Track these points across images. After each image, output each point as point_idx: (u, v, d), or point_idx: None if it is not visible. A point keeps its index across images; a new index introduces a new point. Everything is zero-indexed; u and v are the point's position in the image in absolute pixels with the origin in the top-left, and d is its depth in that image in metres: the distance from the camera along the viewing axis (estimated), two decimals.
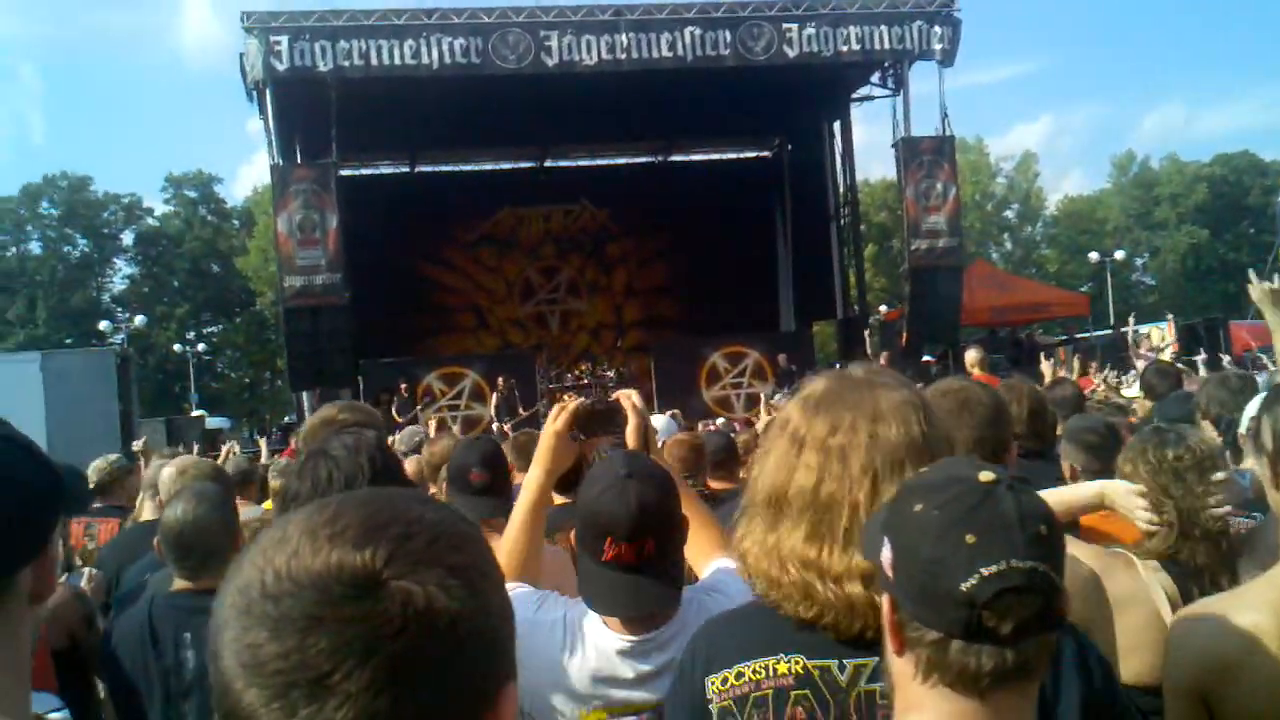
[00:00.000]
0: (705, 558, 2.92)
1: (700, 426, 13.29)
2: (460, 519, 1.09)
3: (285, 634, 0.95)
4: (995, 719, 1.48)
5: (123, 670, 3.17)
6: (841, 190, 29.27)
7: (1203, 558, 3.18)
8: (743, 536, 2.08)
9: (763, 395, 15.97)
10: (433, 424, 12.24)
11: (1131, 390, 10.39)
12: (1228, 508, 3.25)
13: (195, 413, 37.93)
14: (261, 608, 0.97)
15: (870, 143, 71.04)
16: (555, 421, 3.06)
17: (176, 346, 56.62)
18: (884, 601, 1.56)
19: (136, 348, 43.99)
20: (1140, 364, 11.75)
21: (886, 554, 1.53)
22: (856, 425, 1.95)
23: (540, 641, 2.57)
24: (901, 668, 1.55)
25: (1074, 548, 2.83)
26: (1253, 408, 4.34)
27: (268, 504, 6.75)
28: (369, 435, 2.74)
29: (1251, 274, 4.58)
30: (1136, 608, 3.08)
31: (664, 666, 2.58)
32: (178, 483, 4.36)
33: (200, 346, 59.24)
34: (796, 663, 1.95)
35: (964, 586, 1.42)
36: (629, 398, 3.15)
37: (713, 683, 2.02)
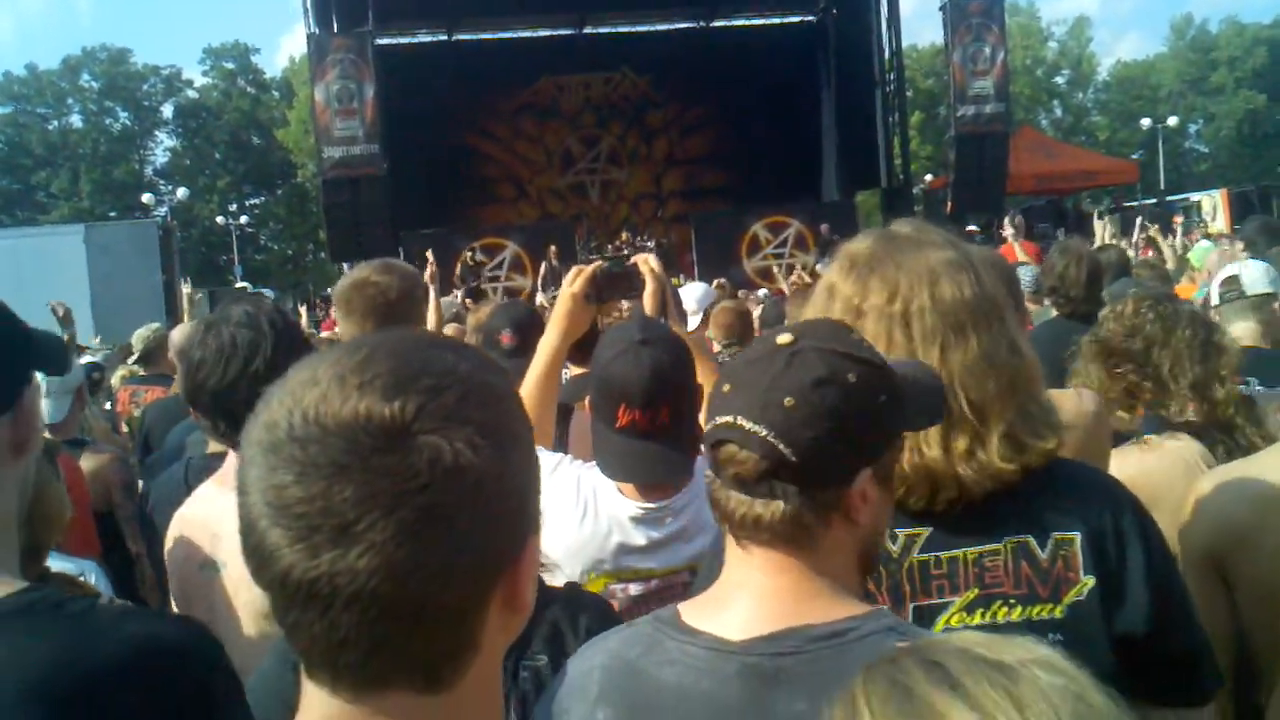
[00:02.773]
0: None
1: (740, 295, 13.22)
2: (493, 372, 1.07)
3: (311, 479, 0.95)
4: (769, 575, 1.54)
5: (159, 531, 3.20)
6: (887, 56, 28.61)
7: (1201, 415, 3.20)
8: None
9: (798, 265, 15.86)
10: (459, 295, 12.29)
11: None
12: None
13: (239, 284, 38.21)
14: (288, 450, 0.96)
15: (917, 6, 69.33)
16: (572, 284, 3.03)
17: (219, 219, 56.79)
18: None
19: (180, 220, 44.30)
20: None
21: None
22: (915, 289, 1.87)
23: (553, 505, 2.56)
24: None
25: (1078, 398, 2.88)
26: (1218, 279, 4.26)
27: None
28: (267, 302, 2.71)
29: None
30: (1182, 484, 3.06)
31: (675, 534, 2.58)
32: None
33: (243, 219, 59.47)
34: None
35: (708, 427, 1.55)
36: (646, 261, 3.10)
37: None
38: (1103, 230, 10.10)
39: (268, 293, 42.26)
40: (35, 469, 1.80)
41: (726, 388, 1.52)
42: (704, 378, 2.69)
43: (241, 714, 1.71)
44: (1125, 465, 3.00)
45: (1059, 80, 70.03)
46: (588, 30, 30.89)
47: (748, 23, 32.19)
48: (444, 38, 30.41)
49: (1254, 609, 2.25)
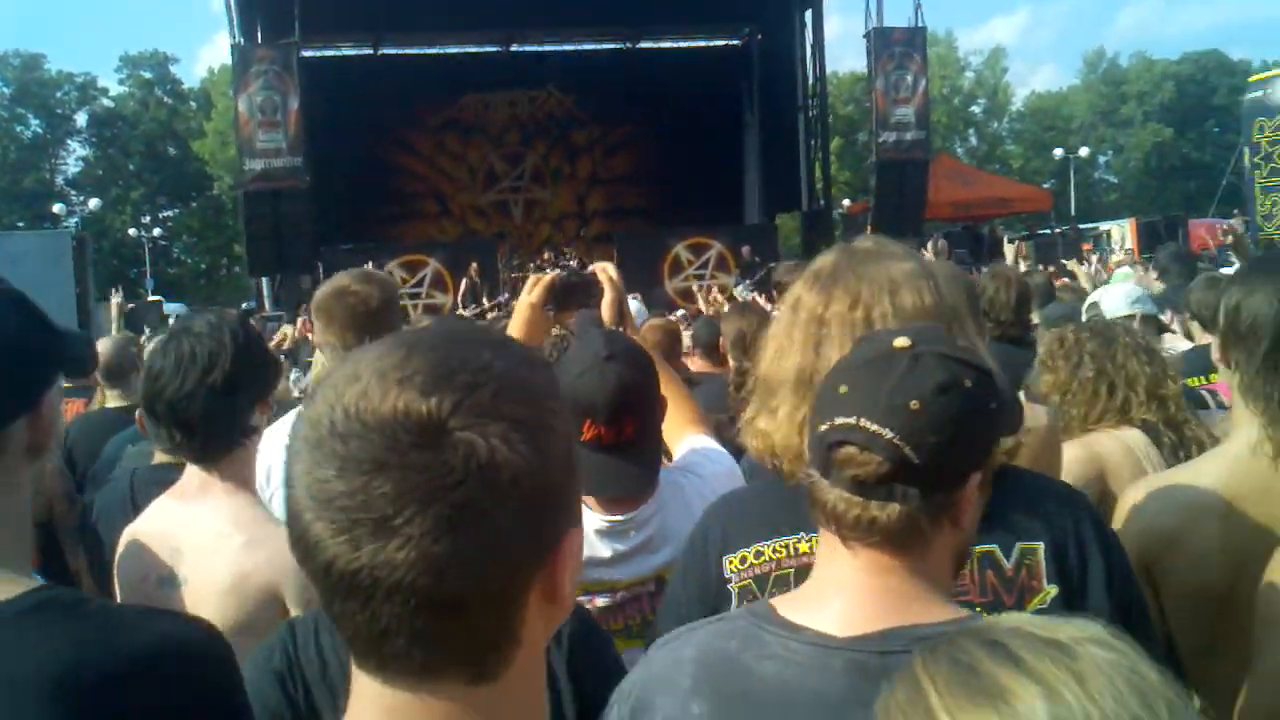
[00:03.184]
0: (680, 432, 2.92)
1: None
2: (531, 367, 1.09)
3: (352, 474, 0.97)
4: (875, 575, 1.55)
5: (104, 543, 3.15)
6: (810, 82, 28.96)
7: (1154, 415, 3.41)
8: (755, 418, 2.06)
9: (716, 288, 15.97)
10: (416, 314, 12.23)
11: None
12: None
13: (151, 298, 37.53)
14: (330, 445, 0.99)
15: (839, 33, 70.70)
16: (530, 294, 3.03)
17: (132, 231, 55.69)
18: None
19: (91, 231, 43.32)
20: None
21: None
22: (876, 297, 1.94)
23: None
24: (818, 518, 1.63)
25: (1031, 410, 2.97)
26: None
27: None
28: (231, 313, 2.72)
29: (1235, 222, 4.89)
30: (1127, 469, 3.26)
31: (639, 546, 2.59)
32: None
33: (156, 231, 58.37)
34: (818, 541, 1.95)
35: (821, 428, 1.54)
36: (605, 270, 3.11)
37: (730, 562, 2.02)
38: (1014, 255, 10.34)
39: (179, 307, 41.65)
40: None
41: (844, 389, 1.53)
42: (665, 389, 2.71)
43: (249, 716, 1.72)
44: (1085, 446, 3.33)
45: (975, 109, 71.34)
46: (514, 47, 30.89)
47: (674, 45, 32.37)
48: (369, 51, 30.22)
49: (1179, 613, 2.33)
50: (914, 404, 1.49)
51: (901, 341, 1.54)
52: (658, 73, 30.05)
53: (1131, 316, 4.63)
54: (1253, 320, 2.31)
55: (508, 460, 0.99)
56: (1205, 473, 2.43)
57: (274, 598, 2.46)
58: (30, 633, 1.50)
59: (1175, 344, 4.92)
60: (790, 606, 1.61)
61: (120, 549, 2.75)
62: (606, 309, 3.05)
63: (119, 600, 2.67)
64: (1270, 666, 2.00)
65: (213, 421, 2.51)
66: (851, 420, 1.49)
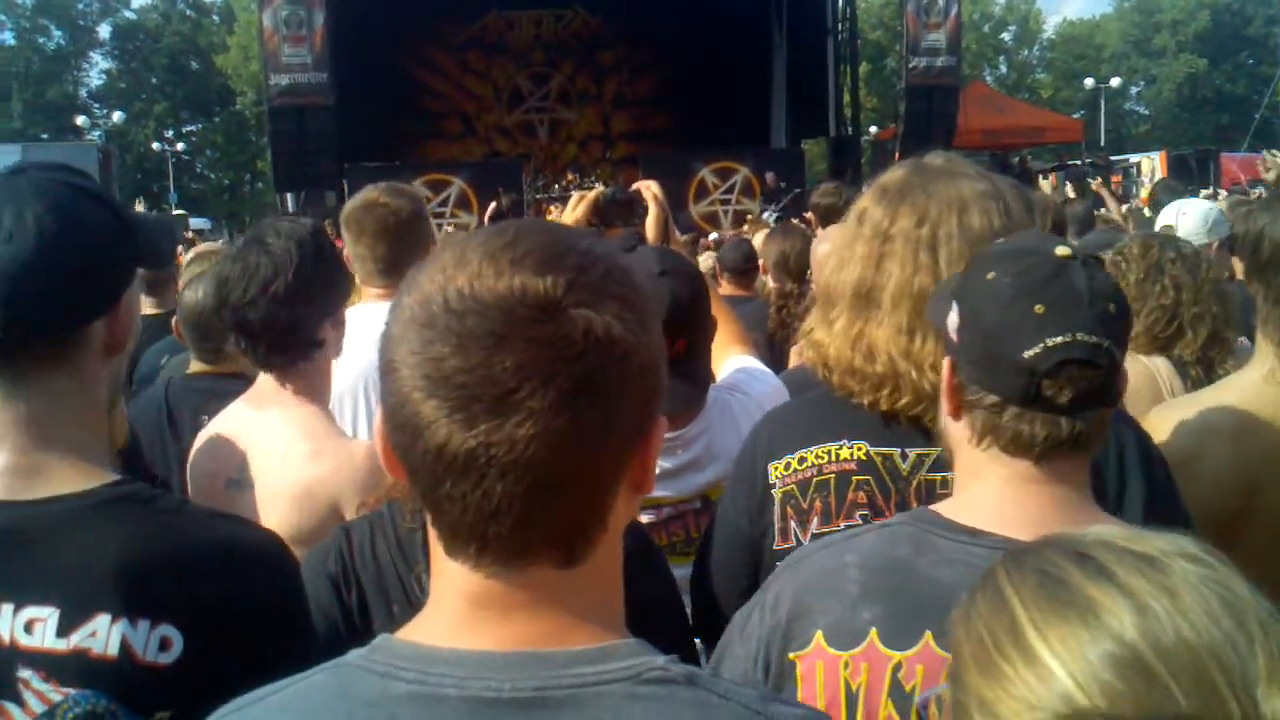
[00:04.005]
0: (724, 352, 2.92)
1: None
2: (624, 256, 1.12)
3: (470, 349, 0.98)
4: (1048, 484, 1.54)
5: (139, 451, 3.20)
6: (840, 4, 28.53)
7: (1195, 350, 3.33)
8: (814, 329, 2.07)
9: (752, 213, 15.86)
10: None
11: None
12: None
13: (175, 212, 37.50)
14: (445, 322, 1.00)
15: None
16: (575, 210, 3.03)
17: (155, 144, 55.56)
18: (945, 364, 1.61)
19: (115, 145, 43.28)
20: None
21: (953, 318, 1.58)
22: (943, 216, 1.92)
23: None
24: (958, 432, 1.61)
25: None
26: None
27: None
28: (305, 222, 2.71)
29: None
30: (1145, 396, 3.21)
31: (687, 464, 2.61)
32: (199, 266, 4.31)
33: (179, 146, 58.26)
34: (859, 449, 1.96)
35: (1027, 354, 1.47)
36: (649, 188, 3.11)
37: (775, 468, 2.04)
38: (1063, 185, 10.22)
39: (203, 222, 41.63)
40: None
41: (1040, 309, 1.48)
42: (716, 311, 2.72)
43: (310, 627, 1.76)
44: None
45: (1005, 36, 70.26)
46: None
47: None
48: None
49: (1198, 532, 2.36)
50: (1111, 307, 1.49)
51: (1063, 250, 1.52)
52: None
53: (1209, 244, 4.48)
54: (1274, 250, 2.30)
55: (621, 336, 1.01)
56: (1220, 398, 2.46)
57: (335, 510, 2.49)
58: (106, 524, 1.54)
59: None
60: (961, 511, 1.59)
61: (195, 447, 2.80)
62: (651, 226, 3.05)
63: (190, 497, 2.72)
64: None
65: (276, 330, 2.52)
66: (1068, 337, 1.46)
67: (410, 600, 2.10)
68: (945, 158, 2.07)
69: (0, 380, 1.57)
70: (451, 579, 1.08)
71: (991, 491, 1.57)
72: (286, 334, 2.53)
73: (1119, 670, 0.98)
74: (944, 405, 1.62)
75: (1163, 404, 2.73)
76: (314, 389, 2.65)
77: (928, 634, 1.51)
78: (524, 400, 0.97)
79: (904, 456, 1.92)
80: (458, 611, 1.08)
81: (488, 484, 0.99)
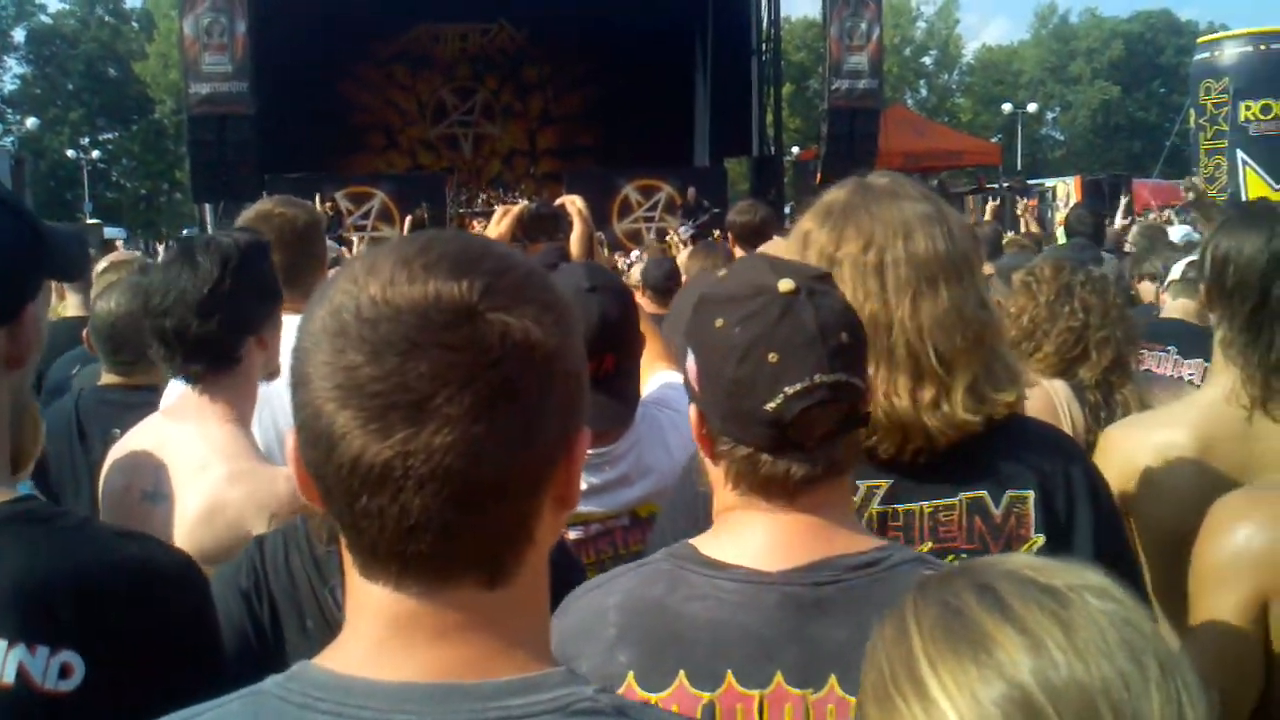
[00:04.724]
0: (650, 368, 2.91)
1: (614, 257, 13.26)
2: (538, 264, 1.10)
3: (384, 357, 0.96)
4: (804, 513, 1.53)
5: (47, 463, 3.11)
6: (764, 26, 28.79)
7: (1097, 373, 3.38)
8: None
9: (672, 231, 15.97)
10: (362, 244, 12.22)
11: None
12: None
13: (90, 221, 36.80)
14: (358, 330, 0.97)
15: None
16: (499, 224, 3.01)
17: (70, 152, 54.49)
18: (692, 411, 1.59)
19: (28, 152, 42.41)
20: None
21: (691, 366, 1.56)
22: (889, 240, 1.89)
23: None
24: (714, 474, 1.59)
25: None
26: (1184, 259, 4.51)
27: None
28: (239, 236, 2.65)
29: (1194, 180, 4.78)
30: (1043, 420, 3.23)
31: (615, 480, 2.59)
32: (112, 275, 4.22)
33: (95, 153, 57.19)
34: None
35: (769, 406, 1.46)
36: (574, 203, 3.10)
37: None
38: (981, 207, 10.41)
39: (118, 232, 40.93)
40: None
41: (773, 357, 1.46)
42: (643, 328, 2.70)
43: (220, 646, 1.70)
44: None
45: (926, 60, 71.38)
46: None
47: None
48: None
49: (1156, 550, 2.38)
50: (844, 336, 1.48)
51: (786, 284, 1.49)
52: (611, 12, 29.64)
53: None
54: (1240, 278, 2.32)
55: (540, 340, 0.99)
56: (1180, 418, 2.47)
57: (245, 534, 2.42)
58: (6, 541, 1.47)
59: None
60: (713, 546, 1.58)
61: (109, 459, 2.72)
62: (576, 242, 3.04)
63: (101, 510, 2.66)
64: None
65: (188, 339, 2.46)
66: (806, 383, 1.45)
67: (325, 615, 2.07)
68: (889, 177, 2.04)
69: None
70: (371, 602, 1.04)
71: (744, 523, 1.56)
72: (200, 344, 2.47)
73: (1007, 710, 0.97)
74: (700, 449, 1.60)
75: (1121, 422, 2.77)
76: (235, 407, 2.59)
77: (681, 673, 1.50)
78: (440, 407, 0.95)
79: (854, 489, 1.89)
80: (377, 637, 1.04)
81: (405, 497, 0.96)
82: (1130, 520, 2.42)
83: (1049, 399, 3.31)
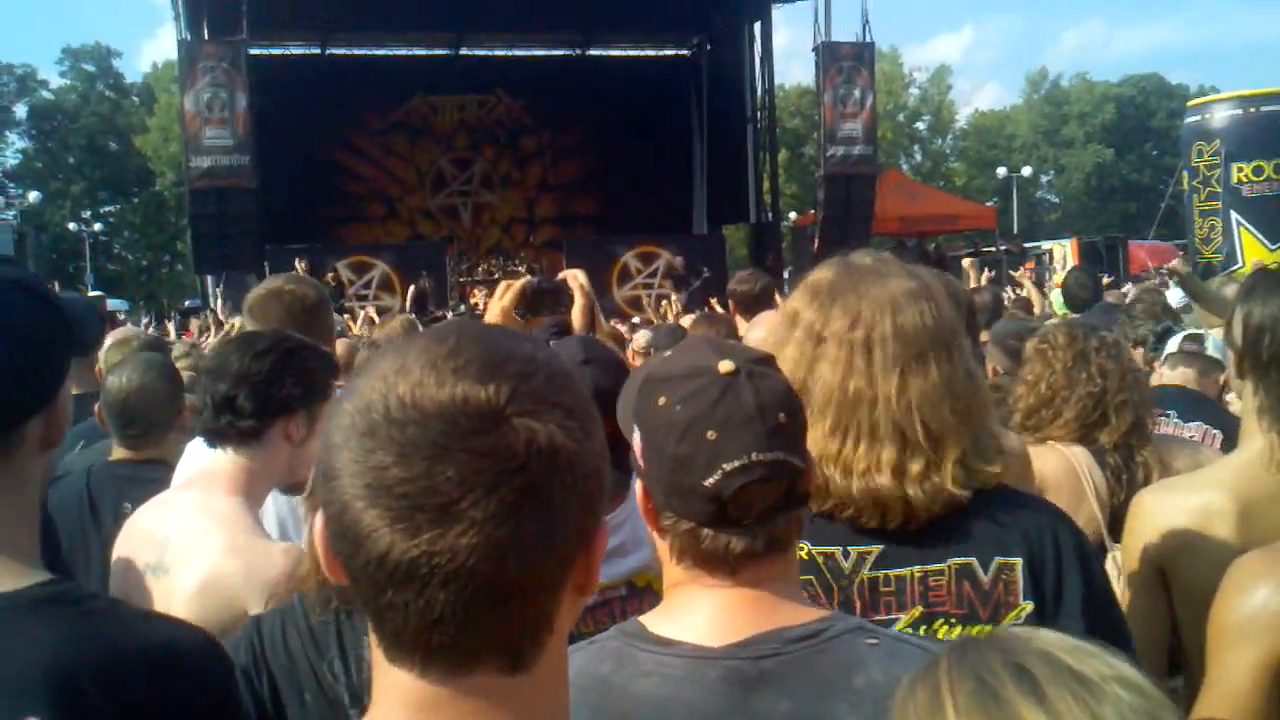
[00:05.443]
0: None
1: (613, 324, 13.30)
2: (562, 359, 1.14)
3: (412, 460, 0.98)
4: (747, 588, 1.55)
5: (57, 539, 3.14)
6: (759, 93, 29.11)
7: (1117, 437, 3.38)
8: None
9: (672, 296, 16.05)
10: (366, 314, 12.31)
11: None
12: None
13: (92, 293, 36.95)
14: (386, 431, 0.99)
15: (787, 46, 70.89)
16: (502, 299, 3.05)
17: (72, 225, 54.74)
18: (638, 487, 1.62)
19: (30, 225, 42.65)
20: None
21: (637, 442, 1.59)
22: (877, 317, 1.92)
23: None
24: (662, 549, 1.61)
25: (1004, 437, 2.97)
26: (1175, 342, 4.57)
27: None
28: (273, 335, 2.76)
29: (1177, 262, 4.79)
30: (1065, 487, 3.23)
31: (612, 550, 2.59)
32: (119, 351, 4.26)
33: (96, 226, 57.47)
34: (801, 549, 1.96)
35: (707, 483, 1.48)
36: (576, 277, 3.14)
37: None
38: (975, 273, 10.44)
39: (120, 304, 41.04)
40: None
41: (711, 434, 1.49)
42: None
43: None
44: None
45: (920, 126, 71.97)
46: (464, 51, 30.72)
47: (623, 53, 32.39)
48: (317, 51, 29.94)
49: (1191, 610, 2.37)
50: (782, 416, 1.51)
51: (726, 365, 1.52)
52: (606, 81, 30.10)
53: (1219, 363, 4.61)
54: (1276, 346, 2.33)
55: (564, 445, 1.01)
56: (1216, 480, 2.48)
57: (241, 610, 2.43)
58: (33, 625, 1.51)
59: None
60: (659, 622, 1.60)
61: (122, 530, 2.76)
62: (578, 315, 3.08)
63: (111, 581, 2.69)
64: None
65: (214, 401, 2.58)
66: (744, 460, 1.48)
67: (323, 688, 2.09)
68: (873, 256, 2.07)
69: None
70: (394, 685, 1.06)
71: (690, 600, 1.58)
72: (219, 411, 2.55)
73: None
74: (648, 524, 1.63)
75: (1154, 486, 2.76)
76: (246, 483, 2.62)
77: None
78: (466, 510, 0.97)
79: (845, 555, 1.92)
80: (402, 717, 1.06)
81: (430, 593, 0.99)
82: (1167, 581, 2.45)
83: (1070, 465, 3.33)
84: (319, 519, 1.06)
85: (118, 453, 3.71)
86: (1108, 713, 1.03)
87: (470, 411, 0.99)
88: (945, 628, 1.91)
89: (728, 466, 1.48)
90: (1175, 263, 4.98)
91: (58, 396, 1.64)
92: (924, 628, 1.91)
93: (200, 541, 2.51)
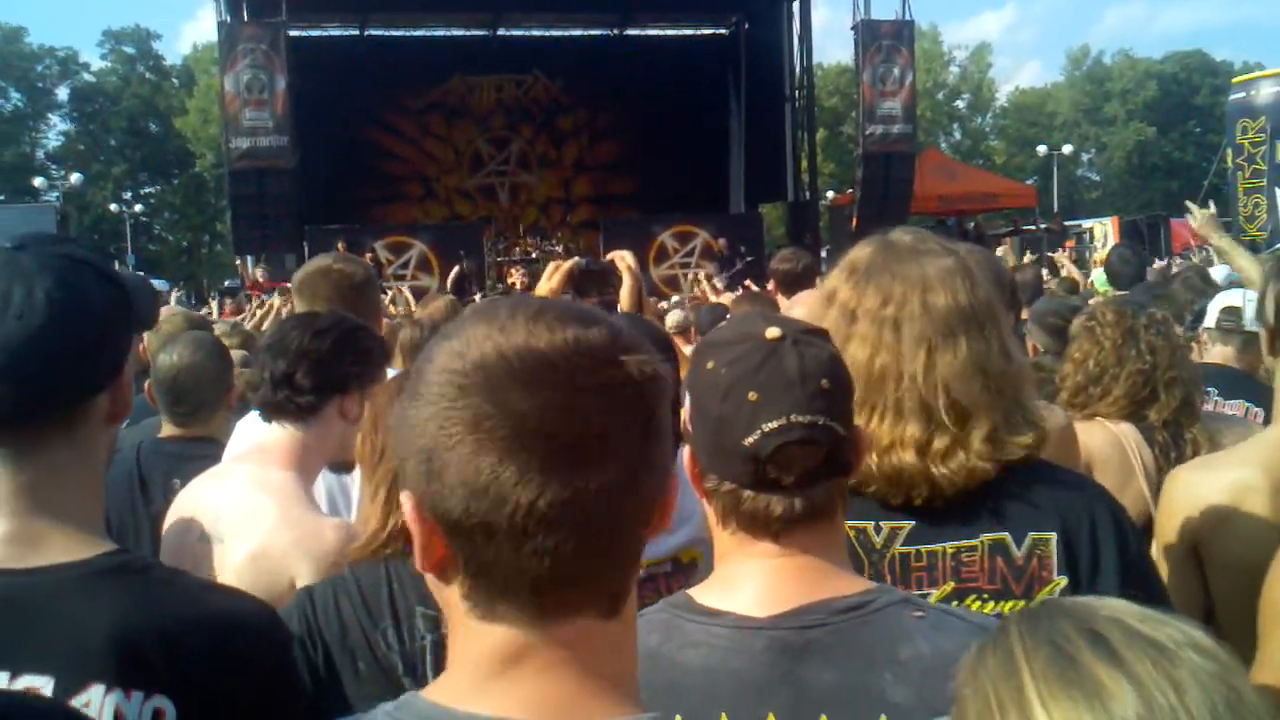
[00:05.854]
0: None
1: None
2: None
3: (551, 401, 0.99)
4: (790, 557, 1.57)
5: (108, 516, 3.19)
6: (797, 72, 28.93)
7: (1166, 414, 3.37)
8: None
9: (703, 275, 16.03)
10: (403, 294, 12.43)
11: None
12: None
13: (136, 273, 37.19)
14: (514, 380, 1.00)
15: (825, 25, 70.38)
16: (550, 280, 3.07)
17: (113, 206, 55.36)
18: (685, 452, 1.64)
19: (73, 205, 43.10)
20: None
21: (686, 407, 1.63)
22: (908, 296, 1.95)
23: None
24: (711, 517, 1.64)
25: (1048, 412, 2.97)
26: (1218, 303, 4.50)
27: None
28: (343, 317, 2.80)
29: (1191, 206, 4.71)
30: (1113, 463, 3.22)
31: None
32: (165, 329, 4.32)
33: (137, 207, 58.01)
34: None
35: (747, 441, 1.51)
36: (624, 259, 3.16)
37: None
38: (1014, 254, 10.38)
39: (161, 284, 41.33)
40: None
41: (753, 395, 1.52)
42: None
43: (304, 699, 1.77)
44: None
45: (959, 104, 71.40)
46: (501, 32, 30.70)
47: (660, 33, 32.26)
48: (355, 32, 30.00)
49: (1226, 585, 2.38)
50: (825, 383, 1.53)
51: (773, 331, 1.55)
52: (644, 60, 29.99)
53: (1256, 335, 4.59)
54: None
55: (665, 374, 1.06)
56: (1250, 456, 2.48)
57: (289, 579, 2.47)
58: (102, 593, 1.55)
59: None
60: (707, 594, 1.62)
61: (175, 501, 2.82)
62: (626, 296, 3.10)
63: (162, 554, 2.73)
64: None
65: (273, 379, 2.64)
66: (782, 421, 1.50)
67: (376, 658, 2.12)
68: (913, 234, 2.09)
69: (5, 451, 1.58)
70: (482, 639, 1.06)
71: (738, 571, 1.61)
72: (277, 386, 2.61)
73: None
74: (693, 487, 1.64)
75: (1189, 464, 2.77)
76: (301, 457, 2.66)
77: (678, 719, 1.52)
78: (612, 443, 1.00)
79: (878, 530, 1.94)
80: (484, 672, 1.06)
81: (561, 535, 0.99)
82: (1201, 557, 2.45)
83: (1118, 441, 3.33)
84: (409, 501, 1.06)
85: (167, 429, 3.76)
86: (1184, 676, 1.03)
87: (589, 350, 1.02)
88: (977, 603, 1.92)
89: (766, 427, 1.51)
90: (1196, 211, 4.83)
91: (123, 372, 1.69)
92: (955, 603, 1.91)
93: (254, 512, 2.56)
